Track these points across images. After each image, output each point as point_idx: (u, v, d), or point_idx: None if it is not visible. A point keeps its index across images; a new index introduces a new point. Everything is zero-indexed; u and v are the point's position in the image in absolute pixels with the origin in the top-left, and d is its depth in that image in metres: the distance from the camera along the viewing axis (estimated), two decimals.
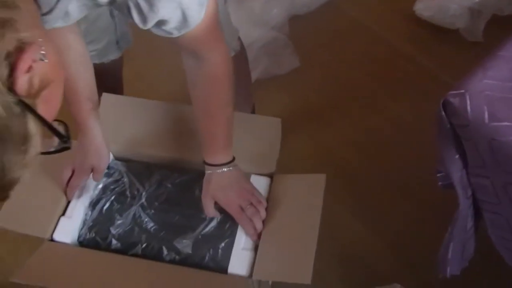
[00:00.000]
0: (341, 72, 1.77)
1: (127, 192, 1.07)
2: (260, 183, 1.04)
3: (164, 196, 1.06)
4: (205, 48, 0.82)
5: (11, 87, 0.44)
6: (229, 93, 0.90)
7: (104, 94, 1.17)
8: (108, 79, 1.26)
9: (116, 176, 1.10)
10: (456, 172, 0.92)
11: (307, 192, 0.98)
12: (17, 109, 0.44)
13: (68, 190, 1.05)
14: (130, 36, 1.31)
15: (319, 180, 0.98)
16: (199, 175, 1.08)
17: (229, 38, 1.22)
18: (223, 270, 0.95)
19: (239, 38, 1.32)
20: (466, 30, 1.75)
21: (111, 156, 1.13)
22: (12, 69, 0.44)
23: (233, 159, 0.99)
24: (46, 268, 0.94)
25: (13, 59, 0.45)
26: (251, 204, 0.97)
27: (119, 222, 1.03)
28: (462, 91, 0.86)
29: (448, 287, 1.13)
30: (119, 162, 1.12)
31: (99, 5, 0.68)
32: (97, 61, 1.25)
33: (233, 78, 0.90)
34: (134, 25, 0.70)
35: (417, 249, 1.38)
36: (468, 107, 0.84)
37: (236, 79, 1.37)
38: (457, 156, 0.91)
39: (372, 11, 1.91)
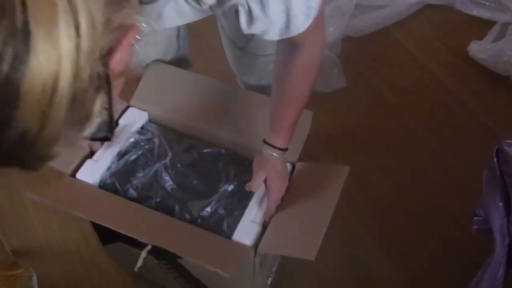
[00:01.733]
0: (385, 100, 1.77)
1: (155, 151, 1.10)
2: None
3: (188, 161, 1.09)
4: (306, 40, 0.81)
5: (106, 60, 0.42)
6: (316, 79, 0.90)
7: (153, 63, 1.22)
8: None
9: (148, 135, 1.14)
10: (497, 220, 0.92)
11: (328, 181, 0.98)
12: (96, 82, 0.40)
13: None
14: (190, 59, 1.34)
15: (341, 172, 0.97)
16: (227, 152, 1.11)
17: None
18: (228, 237, 0.96)
19: None
20: None
21: (146, 118, 1.18)
22: (116, 43, 0.43)
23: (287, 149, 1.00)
24: (61, 192, 0.98)
25: (120, 34, 0.43)
26: None
27: (140, 175, 1.06)
28: None
29: None
30: (153, 125, 1.16)
31: (198, 10, 0.67)
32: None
33: (320, 63, 0.89)
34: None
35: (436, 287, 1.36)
36: None
37: None
38: (500, 204, 0.91)
39: (425, 44, 1.93)
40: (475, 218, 1.02)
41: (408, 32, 1.96)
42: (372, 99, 1.77)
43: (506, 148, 0.86)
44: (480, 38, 1.86)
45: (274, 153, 0.97)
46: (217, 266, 0.78)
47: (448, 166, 1.59)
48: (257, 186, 0.98)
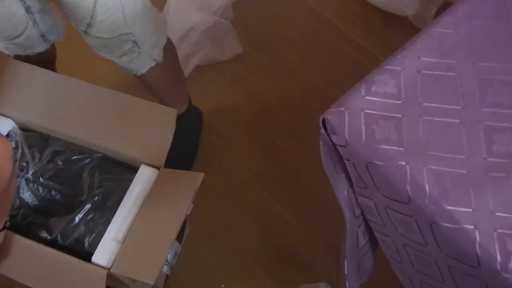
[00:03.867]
0: (286, 58, 1.73)
1: (16, 164, 1.06)
2: (145, 173, 1.03)
3: (51, 173, 1.06)
4: None
5: None
6: None
7: (15, 61, 1.15)
8: None
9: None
10: (342, 191, 0.89)
11: (182, 189, 0.97)
12: None
13: None
14: (61, 28, 1.26)
15: (195, 179, 0.96)
16: (94, 157, 1.08)
17: (150, 43, 1.15)
18: (89, 257, 0.95)
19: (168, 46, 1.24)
20: (416, 17, 1.69)
21: (13, 124, 1.12)
22: None
23: None
24: None
25: None
26: None
27: None
28: (342, 108, 0.81)
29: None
30: (19, 132, 1.11)
31: None
32: (21, 53, 1.23)
33: None
34: None
35: None
36: (346, 127, 0.80)
37: (167, 80, 1.32)
38: (342, 175, 0.87)
39: None
40: None
41: None
42: (271, 59, 1.72)
43: (329, 118, 0.81)
44: None
45: None
46: None
47: None
48: None
